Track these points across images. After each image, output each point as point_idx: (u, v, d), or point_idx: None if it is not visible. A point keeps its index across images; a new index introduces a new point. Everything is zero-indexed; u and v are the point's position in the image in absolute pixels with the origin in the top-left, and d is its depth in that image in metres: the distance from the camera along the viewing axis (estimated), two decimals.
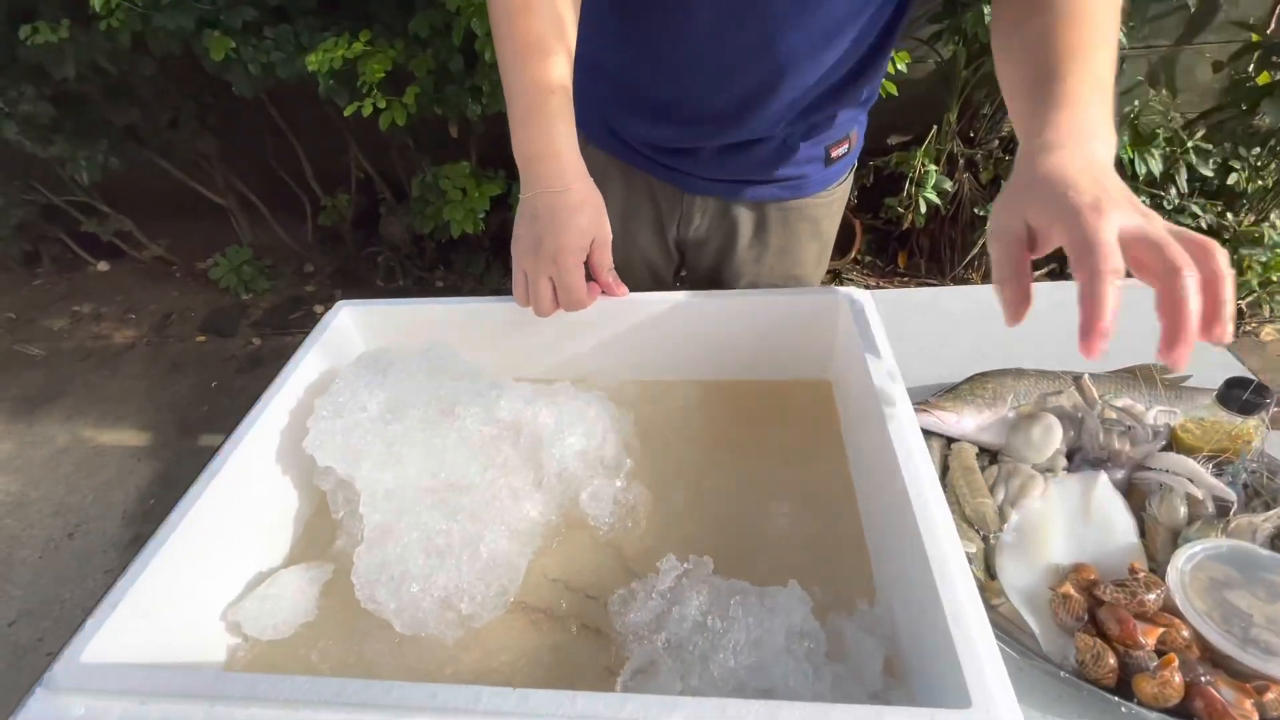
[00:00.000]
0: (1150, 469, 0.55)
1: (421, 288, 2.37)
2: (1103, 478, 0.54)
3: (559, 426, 0.54)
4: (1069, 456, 0.58)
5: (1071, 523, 0.53)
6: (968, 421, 0.60)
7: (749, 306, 0.61)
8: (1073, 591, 0.47)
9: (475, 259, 2.25)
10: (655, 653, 0.42)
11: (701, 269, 0.84)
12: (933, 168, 1.72)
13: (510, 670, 0.45)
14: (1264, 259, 1.52)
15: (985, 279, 1.90)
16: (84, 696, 0.35)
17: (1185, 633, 0.44)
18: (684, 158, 0.73)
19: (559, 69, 0.55)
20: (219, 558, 0.47)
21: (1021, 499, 0.54)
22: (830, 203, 0.80)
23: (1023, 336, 0.75)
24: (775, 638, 0.39)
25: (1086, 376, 0.62)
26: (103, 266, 2.72)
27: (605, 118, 0.75)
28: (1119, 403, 0.59)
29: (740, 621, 0.40)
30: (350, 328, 0.64)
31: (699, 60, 0.62)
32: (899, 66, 1.53)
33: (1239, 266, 1.59)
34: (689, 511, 0.54)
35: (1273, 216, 1.54)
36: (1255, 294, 1.59)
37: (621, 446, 0.56)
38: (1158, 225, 0.38)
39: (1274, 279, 1.55)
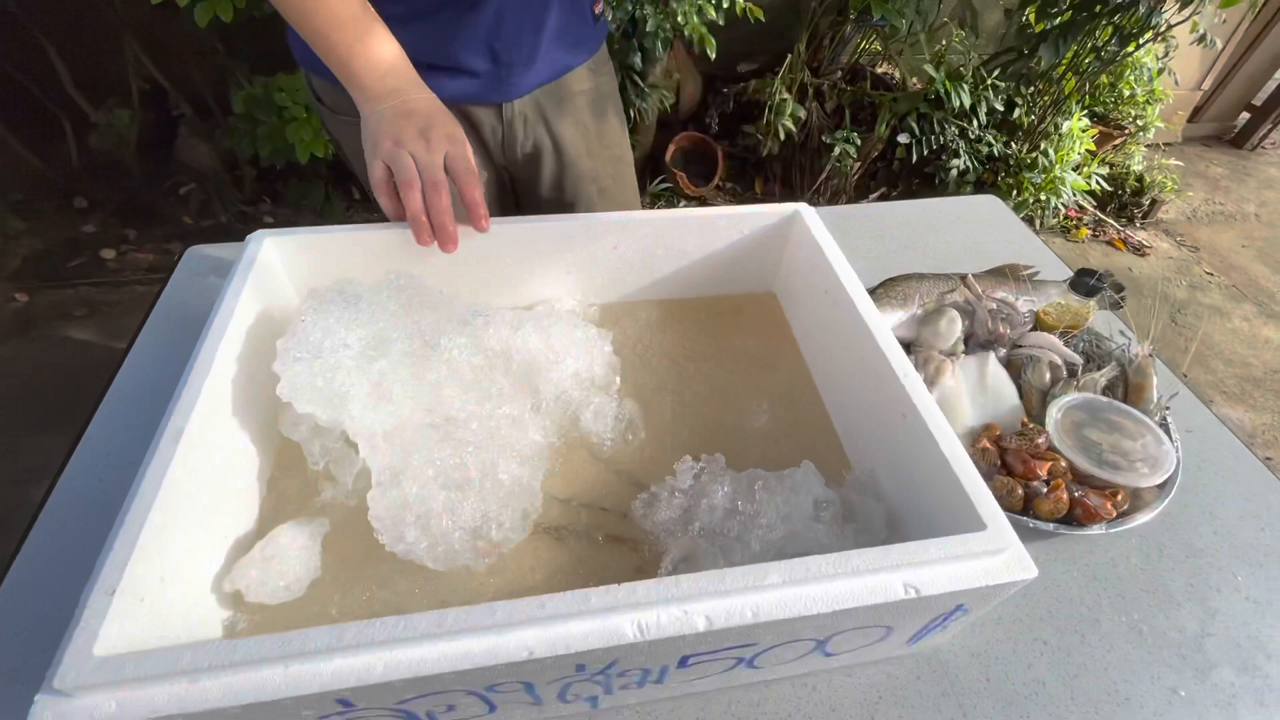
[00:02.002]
0: (1021, 346, 0.69)
1: (246, 224, 2.03)
2: (992, 357, 0.67)
3: (551, 350, 0.53)
4: (965, 341, 0.70)
5: (974, 394, 0.65)
6: (888, 319, 0.70)
7: (700, 224, 0.64)
8: (988, 445, 0.59)
9: (312, 189, 1.98)
10: (692, 542, 0.46)
11: (545, 184, 0.83)
12: (787, 96, 1.83)
13: (548, 586, 0.47)
14: (1037, 181, 1.88)
15: (832, 200, 2.10)
16: (113, 691, 0.31)
17: (1063, 463, 0.58)
18: (484, 61, 0.70)
19: None
20: (198, 529, 0.41)
21: (938, 379, 0.65)
22: (608, 65, 0.83)
23: (911, 245, 0.88)
24: (804, 510, 0.45)
25: (970, 276, 0.75)
26: None
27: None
28: (997, 295, 0.72)
29: (769, 502, 0.45)
30: (276, 263, 0.56)
31: None
32: None
33: (1018, 187, 1.94)
34: (679, 420, 0.58)
35: (1043, 145, 1.90)
36: (1028, 210, 1.97)
37: (608, 365, 0.57)
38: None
39: (1041, 197, 1.93)
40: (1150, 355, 0.66)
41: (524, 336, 0.53)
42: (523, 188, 0.85)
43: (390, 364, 0.48)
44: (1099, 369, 0.67)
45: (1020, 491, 0.56)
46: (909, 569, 0.37)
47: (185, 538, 0.39)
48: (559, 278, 0.64)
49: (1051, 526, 0.55)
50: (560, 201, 0.84)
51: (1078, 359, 0.67)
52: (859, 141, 1.94)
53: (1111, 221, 2.28)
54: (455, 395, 0.49)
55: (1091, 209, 2.27)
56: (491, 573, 0.47)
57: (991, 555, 0.38)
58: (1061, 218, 2.20)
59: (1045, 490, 0.56)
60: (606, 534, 0.50)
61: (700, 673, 0.41)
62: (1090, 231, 2.26)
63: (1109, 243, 2.25)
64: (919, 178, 2.08)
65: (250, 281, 0.52)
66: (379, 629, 0.32)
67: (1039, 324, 0.71)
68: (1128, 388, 0.65)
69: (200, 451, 0.42)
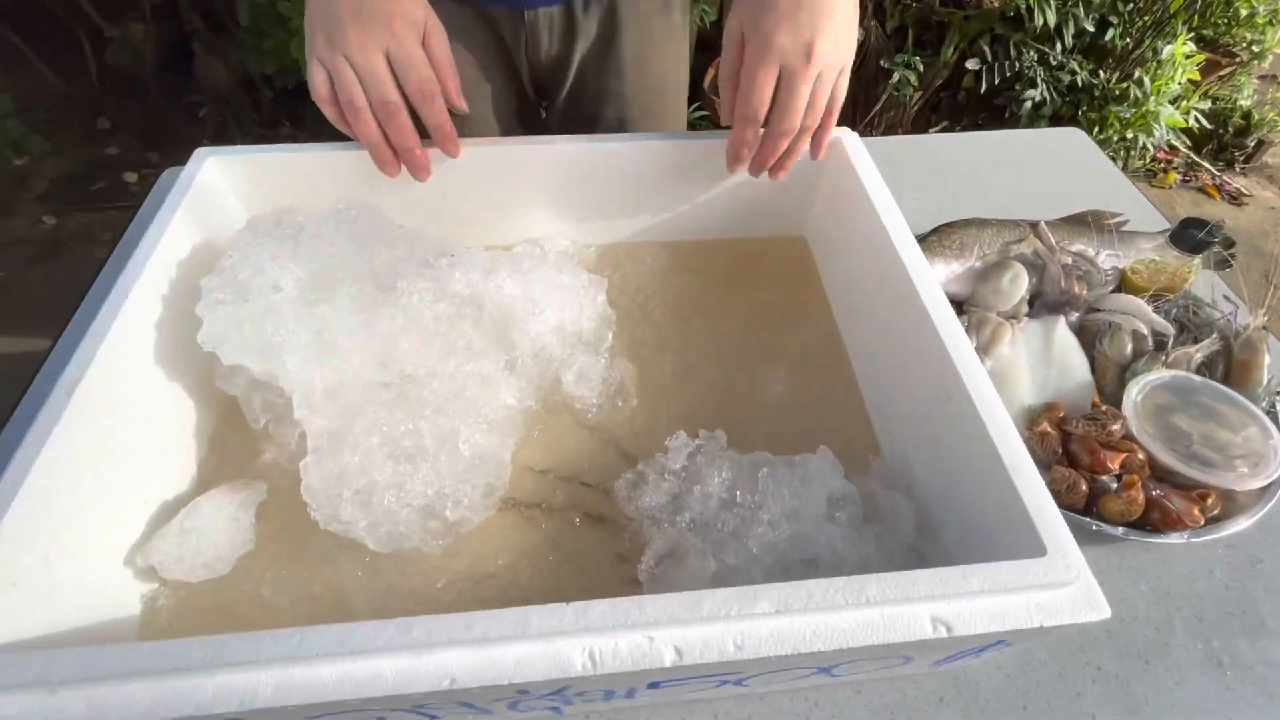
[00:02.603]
0: (1099, 310, 0.58)
1: None
2: (1061, 322, 0.57)
3: (530, 299, 0.45)
4: (1030, 302, 0.59)
5: (1035, 366, 0.55)
6: (938, 273, 0.60)
7: (720, 151, 0.54)
8: (1049, 429, 0.49)
9: None
10: (680, 535, 0.39)
11: (560, 102, 0.73)
12: None
13: (512, 573, 0.41)
14: (1125, 115, 1.65)
15: (887, 134, 1.91)
16: None
17: (1141, 455, 0.48)
18: None
19: None
20: (110, 495, 0.36)
21: (993, 347, 0.55)
22: None
23: (974, 185, 0.75)
24: (815, 507, 0.37)
25: (1042, 224, 0.63)
26: None
27: None
28: (1074, 248, 0.61)
29: (774, 494, 0.38)
30: (220, 184, 0.49)
31: None
32: None
33: (1102, 123, 1.72)
34: (679, 385, 0.50)
35: (1137, 73, 1.66)
36: (1110, 150, 1.74)
37: (599, 318, 0.49)
38: (799, 83, 0.43)
39: (1128, 135, 1.70)
40: (1264, 328, 0.54)
41: (499, 282, 0.45)
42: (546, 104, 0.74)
43: (334, 309, 0.41)
44: (1195, 342, 0.55)
45: (1085, 487, 0.47)
46: (940, 601, 0.29)
47: (86, 507, 0.34)
48: (549, 212, 0.55)
49: (1119, 531, 0.45)
50: (574, 121, 0.73)
51: (1169, 328, 0.55)
52: (921, 67, 1.73)
53: (1207, 165, 2.02)
54: (413, 349, 0.42)
55: (1185, 150, 2.01)
56: (449, 555, 0.41)
57: (1052, 589, 0.29)
58: (1148, 160, 1.96)
59: (1116, 487, 0.47)
60: (586, 513, 0.43)
61: (675, 694, 0.35)
62: (1180, 176, 2.01)
63: (1200, 189, 2.00)
64: (987, 111, 1.86)
65: (187, 208, 0.45)
66: (268, 644, 0.26)
67: (1125, 284, 0.59)
68: (1231, 366, 0.54)
69: (107, 406, 0.36)
